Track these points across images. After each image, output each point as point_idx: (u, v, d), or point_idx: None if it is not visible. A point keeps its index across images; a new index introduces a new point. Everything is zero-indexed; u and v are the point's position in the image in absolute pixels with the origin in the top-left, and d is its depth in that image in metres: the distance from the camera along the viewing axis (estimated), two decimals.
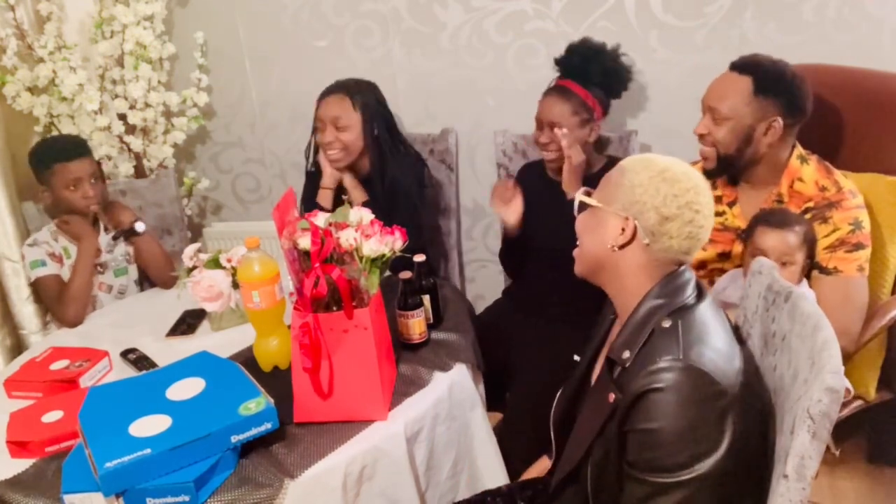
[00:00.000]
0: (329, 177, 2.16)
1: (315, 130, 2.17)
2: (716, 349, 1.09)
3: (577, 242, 1.25)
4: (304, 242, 1.37)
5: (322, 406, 1.41)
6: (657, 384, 1.05)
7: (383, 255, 1.43)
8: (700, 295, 1.16)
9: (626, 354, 1.12)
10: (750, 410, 1.09)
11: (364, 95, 2.13)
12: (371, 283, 1.41)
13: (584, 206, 1.24)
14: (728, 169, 1.75)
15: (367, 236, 1.41)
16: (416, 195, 2.18)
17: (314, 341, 1.36)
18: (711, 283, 1.81)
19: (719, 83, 1.73)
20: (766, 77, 1.66)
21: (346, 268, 1.38)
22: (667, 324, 1.11)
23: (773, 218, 1.67)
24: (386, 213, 1.91)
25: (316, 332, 1.36)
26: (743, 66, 1.70)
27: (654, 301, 1.15)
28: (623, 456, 1.12)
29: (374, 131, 2.14)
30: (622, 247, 1.16)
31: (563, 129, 1.94)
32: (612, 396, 1.12)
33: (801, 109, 1.68)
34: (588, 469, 1.19)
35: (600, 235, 1.19)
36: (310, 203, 2.20)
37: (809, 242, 1.64)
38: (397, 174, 2.17)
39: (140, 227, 2.13)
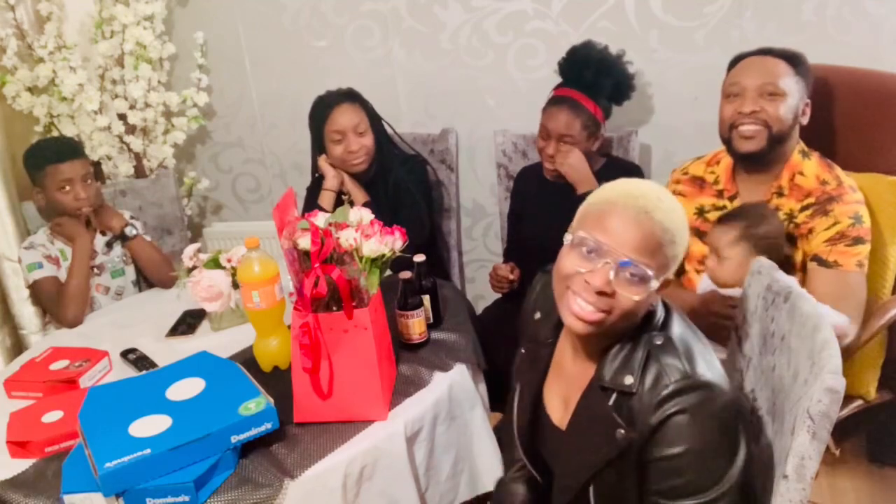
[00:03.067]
0: (333, 178, 2.16)
1: (328, 144, 2.13)
2: (705, 356, 1.09)
3: (613, 309, 1.07)
4: (304, 242, 1.37)
5: (322, 406, 1.41)
6: (674, 408, 1.03)
7: (383, 255, 1.43)
8: (667, 307, 1.15)
9: (630, 380, 1.07)
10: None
11: (365, 102, 2.17)
12: (371, 283, 1.41)
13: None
14: (774, 149, 1.70)
15: (366, 236, 1.41)
16: (420, 194, 2.19)
17: (314, 341, 1.36)
18: None
19: (761, 64, 1.71)
20: (797, 59, 1.70)
21: (346, 268, 1.37)
22: (659, 340, 1.08)
23: (726, 214, 1.70)
24: (391, 213, 1.92)
25: (316, 332, 1.36)
26: (767, 52, 1.72)
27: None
28: (643, 485, 1.08)
29: (378, 132, 2.16)
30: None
31: (568, 147, 2.00)
32: (620, 432, 1.07)
33: (811, 93, 1.73)
34: (592, 499, 1.14)
35: (644, 304, 1.08)
36: (312, 209, 2.21)
37: (754, 239, 1.61)
38: (401, 174, 2.18)
39: (130, 231, 2.13)
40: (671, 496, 1.06)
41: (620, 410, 1.08)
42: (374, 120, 2.17)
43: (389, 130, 2.26)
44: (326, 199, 2.16)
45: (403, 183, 2.17)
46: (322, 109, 2.13)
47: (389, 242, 1.44)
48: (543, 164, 2.08)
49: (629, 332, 1.11)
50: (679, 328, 1.12)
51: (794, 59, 1.70)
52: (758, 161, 1.72)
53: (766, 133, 1.67)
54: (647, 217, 1.04)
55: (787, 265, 1.65)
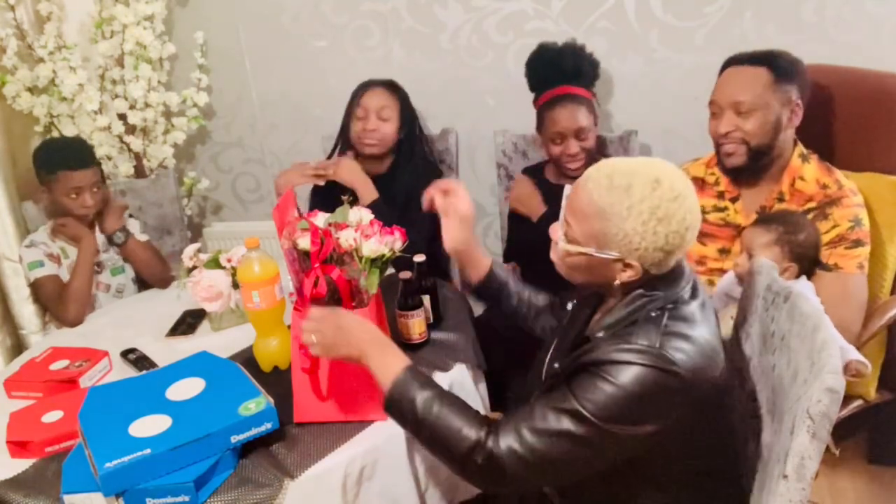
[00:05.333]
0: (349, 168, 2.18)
1: (352, 120, 2.18)
2: (695, 342, 1.09)
3: (564, 273, 1.23)
4: (304, 242, 1.37)
5: (322, 406, 1.41)
6: (623, 358, 1.06)
7: (383, 255, 1.43)
8: (694, 293, 1.16)
9: (601, 334, 1.14)
10: (718, 409, 1.14)
11: (403, 96, 2.21)
12: (371, 283, 1.41)
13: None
14: (759, 160, 1.72)
15: (366, 236, 1.41)
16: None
17: None
18: (711, 282, 1.81)
19: (736, 77, 1.71)
20: (781, 64, 1.69)
21: (346, 268, 1.38)
22: (654, 313, 1.12)
23: (764, 215, 1.70)
24: (400, 213, 1.93)
25: None
26: (751, 58, 1.71)
27: (645, 290, 1.14)
28: (570, 378, 1.12)
29: (404, 131, 2.19)
30: (630, 282, 1.15)
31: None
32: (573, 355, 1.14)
33: (807, 91, 1.72)
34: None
35: (601, 274, 1.16)
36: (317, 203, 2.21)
37: (790, 244, 1.60)
38: (412, 178, 2.17)
39: (118, 238, 2.11)
40: (577, 393, 1.08)
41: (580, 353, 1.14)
42: (406, 115, 2.21)
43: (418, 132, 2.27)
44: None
45: (415, 190, 2.16)
46: (358, 89, 2.20)
47: (389, 242, 1.44)
48: (565, 167, 2.05)
49: (628, 296, 1.15)
50: (687, 312, 1.13)
51: (774, 64, 1.68)
52: (745, 173, 1.75)
53: (745, 149, 1.70)
54: (583, 184, 1.15)
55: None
